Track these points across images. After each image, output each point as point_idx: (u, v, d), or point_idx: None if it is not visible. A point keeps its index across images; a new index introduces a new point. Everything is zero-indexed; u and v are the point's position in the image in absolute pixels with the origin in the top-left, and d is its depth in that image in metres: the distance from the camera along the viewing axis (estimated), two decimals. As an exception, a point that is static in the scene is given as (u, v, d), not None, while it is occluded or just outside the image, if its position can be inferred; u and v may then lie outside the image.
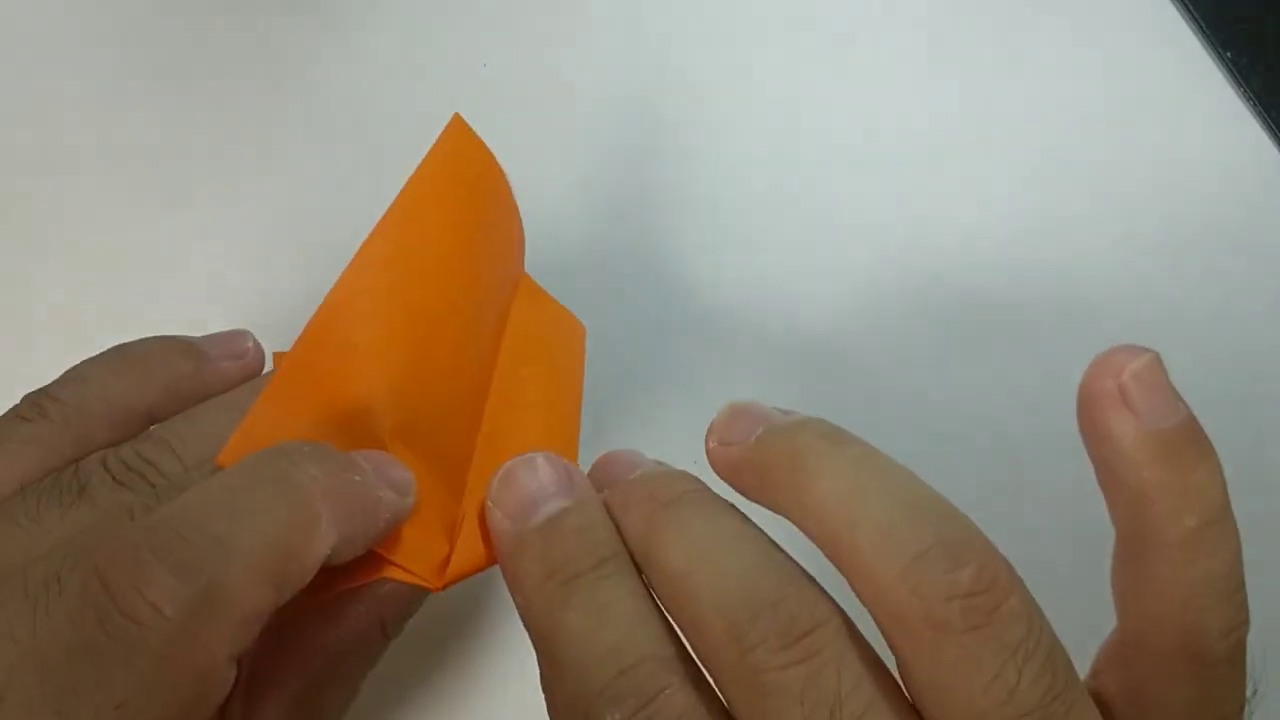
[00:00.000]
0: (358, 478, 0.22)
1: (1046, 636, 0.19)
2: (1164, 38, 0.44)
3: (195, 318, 0.36)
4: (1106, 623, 0.22)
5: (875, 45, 0.43)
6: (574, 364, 0.31)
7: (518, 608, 0.22)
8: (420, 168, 0.26)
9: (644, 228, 0.40)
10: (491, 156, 0.28)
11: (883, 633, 0.20)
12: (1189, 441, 0.20)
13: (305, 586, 0.21)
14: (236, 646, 0.19)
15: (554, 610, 0.21)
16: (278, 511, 0.20)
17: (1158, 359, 0.20)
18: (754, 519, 0.22)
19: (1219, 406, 0.37)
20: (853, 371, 0.38)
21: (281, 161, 0.40)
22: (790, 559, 0.21)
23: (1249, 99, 0.42)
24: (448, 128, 0.27)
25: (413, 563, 0.23)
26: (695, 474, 0.23)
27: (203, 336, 0.28)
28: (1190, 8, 0.43)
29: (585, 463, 0.25)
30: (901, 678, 0.20)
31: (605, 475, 0.24)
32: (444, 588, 0.24)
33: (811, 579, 0.21)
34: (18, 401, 0.25)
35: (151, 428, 0.26)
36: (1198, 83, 0.43)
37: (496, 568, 0.24)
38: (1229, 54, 0.43)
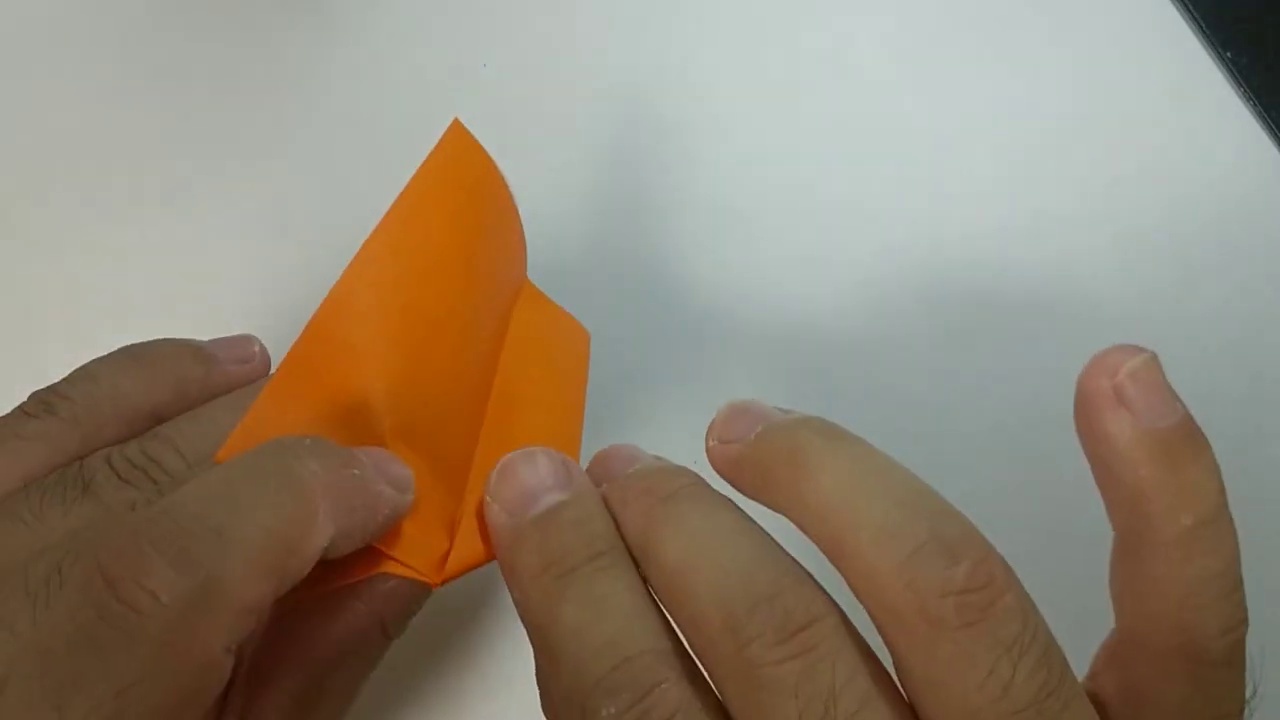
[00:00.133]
0: (357, 472, 0.22)
1: (1042, 633, 0.19)
2: (1164, 38, 0.44)
3: (195, 317, 0.37)
4: (1104, 622, 0.22)
5: (875, 44, 0.43)
6: (577, 368, 0.31)
7: (515, 602, 0.22)
8: (419, 171, 0.26)
9: (644, 228, 0.40)
10: (491, 161, 0.28)
11: (878, 628, 0.20)
12: (1185, 440, 0.20)
13: (304, 580, 0.21)
14: (234, 637, 0.20)
15: (550, 603, 0.21)
16: (276, 504, 0.20)
17: (1154, 358, 0.20)
18: (752, 517, 0.22)
19: (1219, 406, 0.38)
20: (853, 371, 0.38)
21: (281, 162, 0.40)
22: (787, 554, 0.21)
23: (1249, 99, 0.42)
24: (447, 132, 0.27)
25: (411, 558, 0.23)
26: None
27: (210, 340, 0.29)
28: (1190, 8, 0.43)
29: (585, 462, 0.26)
30: (897, 674, 0.20)
31: (603, 470, 0.24)
32: (443, 583, 0.24)
33: (809, 574, 0.21)
34: (24, 399, 0.26)
35: (156, 427, 0.26)
36: (1198, 83, 0.43)
37: (496, 565, 0.24)
38: (1229, 54, 0.43)
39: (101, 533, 0.21)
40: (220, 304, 0.38)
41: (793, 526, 0.21)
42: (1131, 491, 0.20)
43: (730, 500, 0.22)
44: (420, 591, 0.27)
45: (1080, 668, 0.21)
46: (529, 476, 0.23)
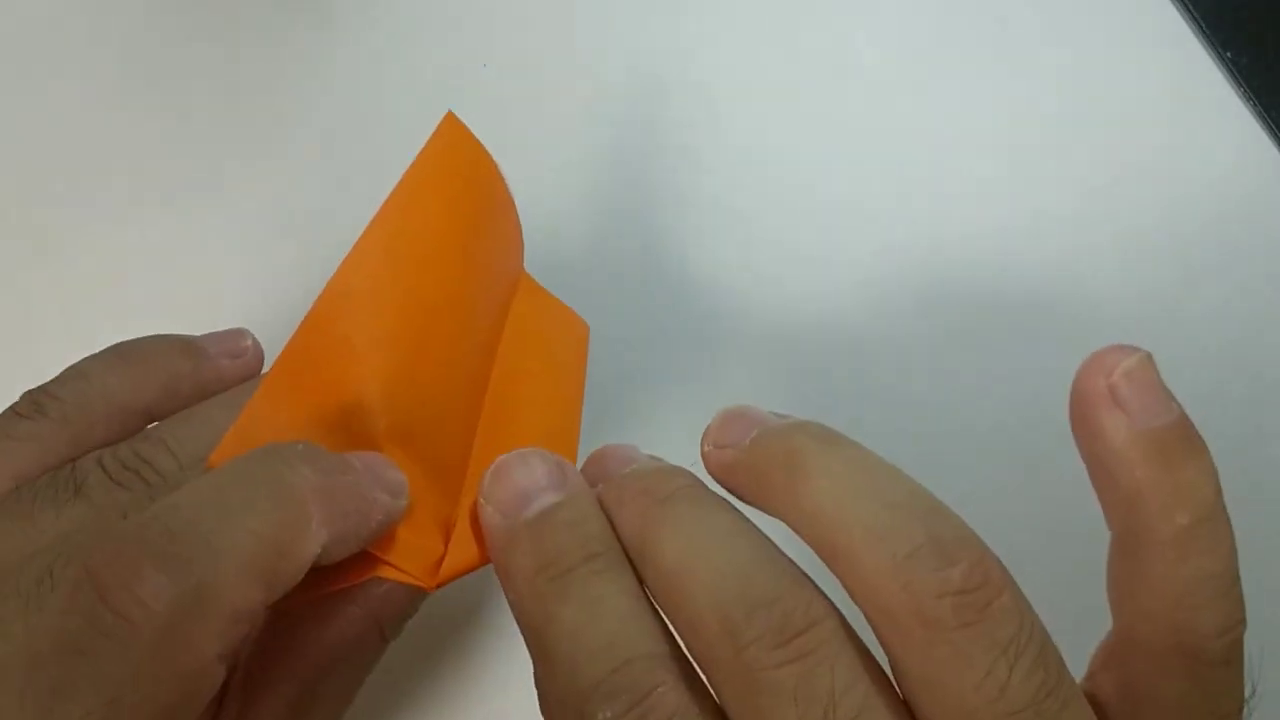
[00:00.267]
0: (350, 478, 0.22)
1: (1038, 634, 0.19)
2: (1164, 38, 0.44)
3: (195, 317, 0.36)
4: (1101, 623, 0.22)
5: (875, 44, 0.43)
6: (575, 361, 0.31)
7: (510, 604, 0.22)
8: (414, 164, 0.26)
9: (644, 227, 0.40)
10: (486, 152, 0.28)
11: (874, 630, 0.20)
12: (1181, 440, 0.20)
13: (297, 585, 0.21)
14: (226, 644, 0.19)
15: (546, 605, 0.21)
16: (268, 510, 0.20)
17: (1149, 358, 0.20)
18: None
19: (1219, 406, 0.38)
20: (853, 371, 0.38)
21: (281, 161, 0.40)
22: (786, 557, 0.21)
23: (1249, 99, 0.42)
24: (441, 124, 0.27)
25: (406, 562, 0.23)
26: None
27: (201, 335, 0.28)
28: (1190, 8, 0.43)
29: (583, 461, 0.25)
30: (894, 676, 0.20)
31: (599, 470, 0.24)
32: (438, 587, 0.24)
33: (807, 577, 0.21)
34: (17, 399, 0.26)
35: (148, 427, 0.26)
36: (1198, 83, 0.43)
37: (491, 567, 0.24)
38: (1229, 54, 0.43)
39: (93, 536, 0.20)
40: (220, 304, 0.38)
41: (790, 531, 0.21)
42: (1127, 491, 0.20)
43: (728, 502, 0.22)
44: (416, 595, 0.27)
45: (1079, 668, 0.21)
46: (523, 477, 0.23)
